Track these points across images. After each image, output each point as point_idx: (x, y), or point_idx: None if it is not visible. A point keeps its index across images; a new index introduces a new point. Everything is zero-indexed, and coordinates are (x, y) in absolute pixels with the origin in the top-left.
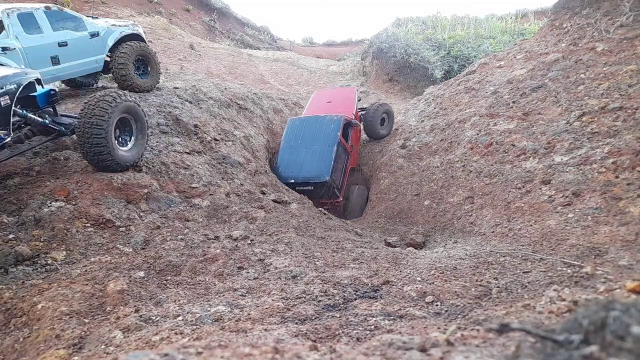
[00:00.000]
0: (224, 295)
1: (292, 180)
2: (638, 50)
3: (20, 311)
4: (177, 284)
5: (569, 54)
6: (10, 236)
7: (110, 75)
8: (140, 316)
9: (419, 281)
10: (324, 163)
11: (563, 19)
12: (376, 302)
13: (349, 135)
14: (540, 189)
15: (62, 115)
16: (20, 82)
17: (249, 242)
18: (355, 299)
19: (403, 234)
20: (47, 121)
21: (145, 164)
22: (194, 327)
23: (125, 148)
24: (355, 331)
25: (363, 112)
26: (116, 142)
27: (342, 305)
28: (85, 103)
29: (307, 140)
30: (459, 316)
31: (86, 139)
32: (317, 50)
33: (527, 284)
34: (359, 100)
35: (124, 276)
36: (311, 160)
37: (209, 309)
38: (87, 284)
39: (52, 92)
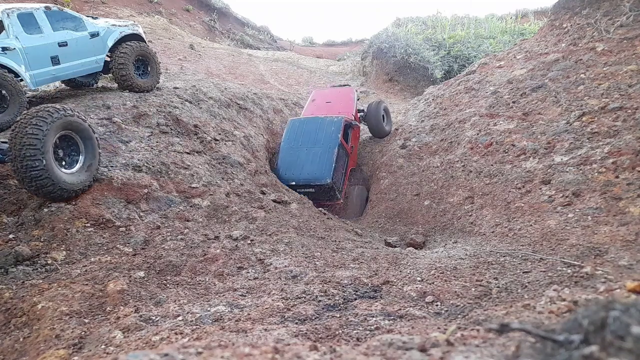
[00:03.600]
0: (224, 295)
1: (294, 182)
2: (638, 50)
3: (20, 311)
4: (177, 284)
5: (569, 54)
6: (10, 236)
7: (110, 75)
8: (140, 316)
9: (419, 281)
10: (325, 165)
11: (563, 19)
12: (376, 302)
13: (349, 136)
14: (540, 189)
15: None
16: None
17: (249, 242)
18: (355, 299)
19: (403, 234)
20: None
21: (145, 164)
22: (194, 327)
23: (70, 170)
24: (355, 331)
25: (361, 113)
26: (59, 163)
27: (342, 305)
28: (16, 122)
29: (307, 142)
30: (459, 316)
31: (19, 162)
32: (317, 50)
33: (527, 284)
34: (358, 100)
35: (124, 276)
36: (312, 162)
37: (209, 309)
38: (87, 284)
39: None
